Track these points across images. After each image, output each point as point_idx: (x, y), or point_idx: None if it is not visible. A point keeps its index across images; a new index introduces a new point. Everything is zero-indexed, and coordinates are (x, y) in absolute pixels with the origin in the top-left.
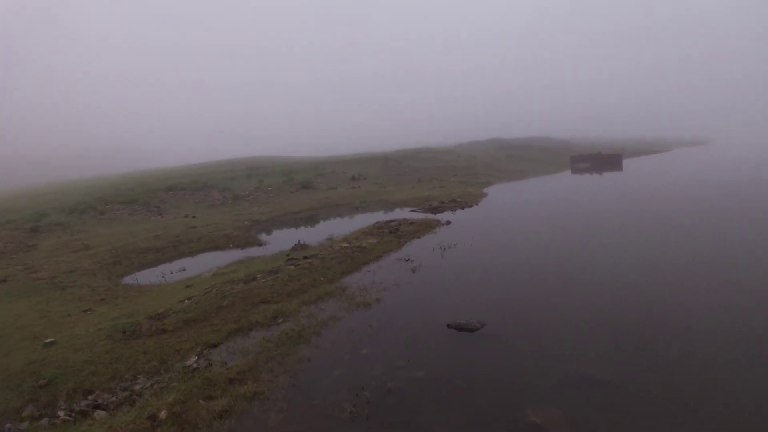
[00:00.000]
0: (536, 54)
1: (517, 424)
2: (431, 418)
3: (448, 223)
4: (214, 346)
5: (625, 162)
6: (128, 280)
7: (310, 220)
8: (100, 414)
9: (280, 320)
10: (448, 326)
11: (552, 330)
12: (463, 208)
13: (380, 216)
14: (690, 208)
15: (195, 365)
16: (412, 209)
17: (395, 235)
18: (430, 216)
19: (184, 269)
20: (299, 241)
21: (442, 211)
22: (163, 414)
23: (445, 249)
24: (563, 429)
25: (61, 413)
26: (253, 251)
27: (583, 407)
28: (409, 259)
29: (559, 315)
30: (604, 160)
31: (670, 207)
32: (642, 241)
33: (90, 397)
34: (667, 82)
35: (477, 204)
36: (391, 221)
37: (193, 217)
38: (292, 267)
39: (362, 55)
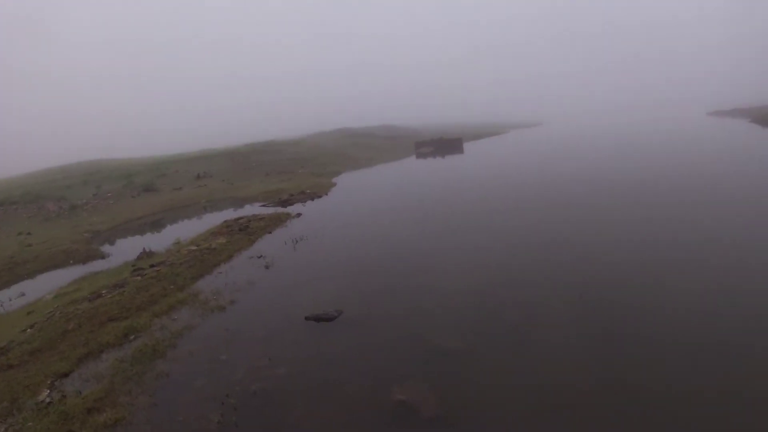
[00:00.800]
0: (377, 45)
1: (385, 405)
2: (300, 414)
3: (299, 215)
4: (65, 375)
5: (466, 145)
6: None
7: (156, 225)
8: None
9: (132, 337)
10: (307, 319)
11: (406, 309)
12: (313, 199)
13: (229, 214)
14: (519, 181)
15: (48, 399)
16: (261, 204)
17: (245, 232)
18: (280, 210)
19: (23, 294)
20: (144, 249)
21: (292, 204)
22: None
23: (297, 242)
24: (429, 401)
25: None
26: (97, 265)
27: (443, 378)
28: (261, 256)
29: (412, 295)
30: (446, 144)
31: (501, 183)
32: (480, 217)
33: None
34: (503, 71)
35: (327, 194)
36: (240, 218)
37: (28, 233)
38: (139, 278)
39: (202, 53)
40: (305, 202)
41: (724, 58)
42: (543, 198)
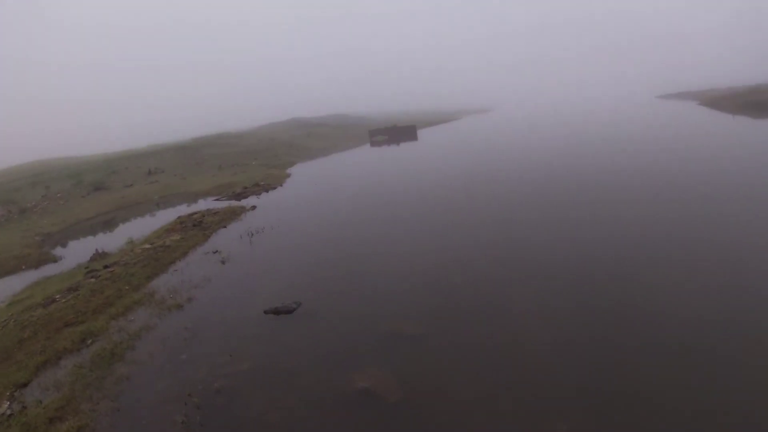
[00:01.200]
0: (329, 33)
1: (348, 393)
2: (264, 408)
3: (254, 208)
4: (25, 385)
5: (420, 132)
6: None
7: (108, 224)
8: None
9: (90, 341)
10: (266, 312)
11: (364, 297)
12: (267, 191)
13: (183, 209)
14: (471, 166)
15: (9, 412)
16: (215, 198)
17: (200, 227)
18: (234, 203)
19: None
20: (97, 249)
21: (246, 197)
22: None
23: (253, 235)
24: (391, 387)
25: None
26: (49, 269)
27: (404, 362)
28: (217, 251)
29: (369, 283)
30: (400, 131)
31: (454, 168)
32: (434, 203)
33: None
34: (457, 60)
35: (281, 185)
36: (194, 214)
37: None
38: (93, 280)
39: (149, 43)
40: (260, 194)
41: (675, 46)
42: (496, 182)
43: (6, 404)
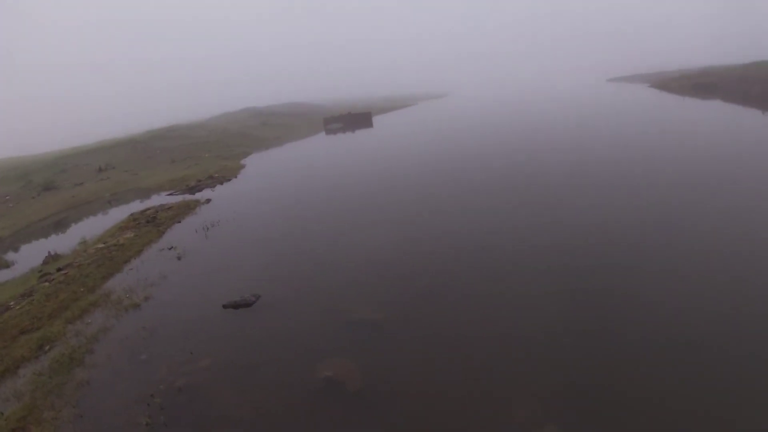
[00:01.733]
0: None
1: (313, 383)
2: (228, 403)
3: (208, 201)
4: None
5: (376, 118)
6: None
7: (60, 225)
8: None
9: (47, 347)
10: (225, 307)
11: (323, 287)
12: (222, 183)
13: (136, 206)
14: (424, 153)
15: None
16: (168, 193)
17: (154, 224)
18: (188, 197)
19: None
20: (50, 252)
21: (200, 190)
22: None
23: (208, 229)
24: (354, 375)
25: None
26: (1, 275)
27: (365, 350)
28: (172, 247)
29: (328, 273)
30: (355, 119)
31: (408, 155)
32: (389, 190)
33: None
34: (417, 52)
35: (236, 177)
36: (147, 210)
37: None
38: (48, 284)
39: (96, 39)
40: (214, 187)
41: (625, 30)
42: (447, 169)
43: None
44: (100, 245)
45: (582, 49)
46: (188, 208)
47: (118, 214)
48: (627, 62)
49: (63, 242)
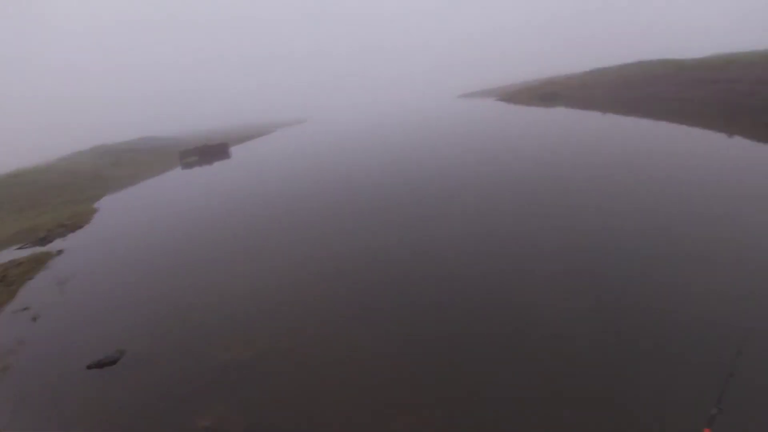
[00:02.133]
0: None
1: None
2: None
3: (60, 252)
4: None
5: (234, 148)
6: None
7: None
8: None
9: None
10: (89, 367)
11: (192, 331)
12: (74, 231)
13: None
14: (280, 182)
15: None
16: (17, 247)
17: (4, 283)
18: (39, 249)
19: None
20: None
21: (51, 241)
22: None
23: (63, 283)
24: (235, 421)
25: None
26: None
27: (242, 393)
28: (26, 308)
29: (195, 315)
30: (211, 150)
31: (263, 188)
32: (248, 223)
33: None
34: (270, 76)
35: (89, 223)
36: None
37: None
38: None
39: None
40: (65, 235)
41: (473, 48)
42: (311, 195)
43: None
44: None
45: (438, 73)
46: (40, 262)
47: None
48: (476, 79)
49: None
